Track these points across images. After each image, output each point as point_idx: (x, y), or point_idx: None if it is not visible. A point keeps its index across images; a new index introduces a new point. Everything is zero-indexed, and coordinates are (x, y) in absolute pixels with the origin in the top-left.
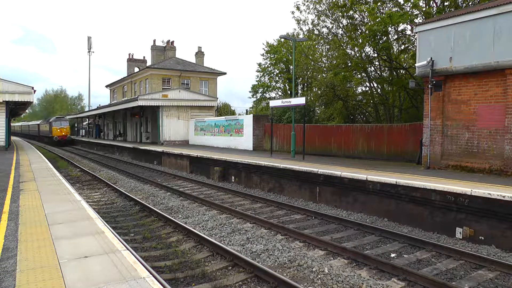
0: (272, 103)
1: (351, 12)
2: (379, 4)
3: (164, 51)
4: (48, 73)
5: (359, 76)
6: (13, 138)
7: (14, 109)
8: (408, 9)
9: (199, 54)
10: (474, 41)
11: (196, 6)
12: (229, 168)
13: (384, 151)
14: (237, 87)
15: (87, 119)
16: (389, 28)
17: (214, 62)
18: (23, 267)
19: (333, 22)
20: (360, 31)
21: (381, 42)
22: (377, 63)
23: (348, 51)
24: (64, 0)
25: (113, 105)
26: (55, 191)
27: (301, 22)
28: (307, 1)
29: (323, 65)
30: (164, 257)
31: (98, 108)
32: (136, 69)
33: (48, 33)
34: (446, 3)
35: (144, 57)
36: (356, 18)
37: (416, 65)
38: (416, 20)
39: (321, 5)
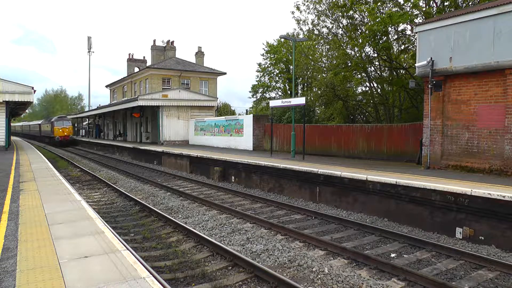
0: (272, 103)
1: (351, 12)
2: (379, 4)
3: (164, 51)
4: (48, 73)
5: (359, 76)
6: (13, 138)
7: (14, 109)
8: (408, 9)
9: (199, 54)
10: (474, 41)
11: (196, 6)
12: (229, 168)
13: (384, 151)
14: (237, 87)
15: (87, 119)
16: (389, 28)
17: (214, 62)
18: (23, 267)
19: (333, 22)
20: (360, 31)
21: (381, 42)
22: (377, 63)
23: (348, 51)
24: (64, 0)
25: (113, 105)
26: (55, 191)
27: (301, 22)
28: (307, 1)
29: (323, 65)
30: (164, 257)
31: (98, 108)
32: (136, 69)
33: (48, 33)
34: (446, 3)
35: (144, 57)
36: (356, 18)
37: (416, 65)
38: (416, 20)
39: (321, 5)
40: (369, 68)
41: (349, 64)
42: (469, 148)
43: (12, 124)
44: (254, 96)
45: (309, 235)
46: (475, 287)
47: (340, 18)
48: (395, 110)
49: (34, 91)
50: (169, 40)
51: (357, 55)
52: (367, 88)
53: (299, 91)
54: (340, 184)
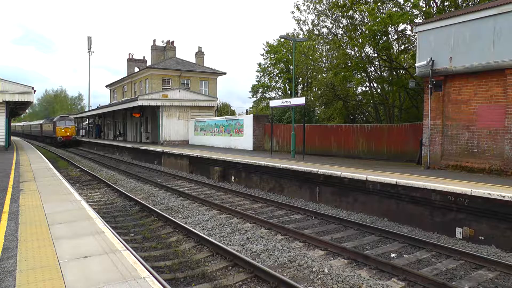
0: (272, 103)
1: (351, 12)
2: (379, 4)
3: (164, 51)
4: (48, 73)
5: (359, 76)
6: (14, 138)
7: (14, 109)
8: (408, 9)
9: (199, 54)
10: (474, 41)
11: (196, 6)
12: (229, 168)
13: (384, 151)
14: (237, 87)
15: (87, 119)
16: (389, 28)
17: (214, 62)
18: (23, 267)
19: (333, 22)
20: (360, 31)
21: (381, 42)
22: (377, 63)
23: (348, 51)
24: (64, 0)
25: (113, 105)
26: (55, 191)
27: (301, 22)
28: (307, 1)
29: (323, 65)
30: (164, 257)
31: (98, 108)
32: (136, 69)
33: (48, 33)
34: (446, 3)
35: (144, 57)
36: (356, 18)
37: (416, 65)
38: (416, 20)
39: (321, 5)
40: (369, 68)
41: (349, 64)
42: (469, 148)
43: (12, 124)
44: (254, 96)
45: (309, 235)
46: (475, 287)
47: (340, 18)
48: (395, 110)
49: (34, 91)
50: (169, 40)
51: (357, 55)
52: (367, 88)
53: (299, 91)
54: (340, 184)
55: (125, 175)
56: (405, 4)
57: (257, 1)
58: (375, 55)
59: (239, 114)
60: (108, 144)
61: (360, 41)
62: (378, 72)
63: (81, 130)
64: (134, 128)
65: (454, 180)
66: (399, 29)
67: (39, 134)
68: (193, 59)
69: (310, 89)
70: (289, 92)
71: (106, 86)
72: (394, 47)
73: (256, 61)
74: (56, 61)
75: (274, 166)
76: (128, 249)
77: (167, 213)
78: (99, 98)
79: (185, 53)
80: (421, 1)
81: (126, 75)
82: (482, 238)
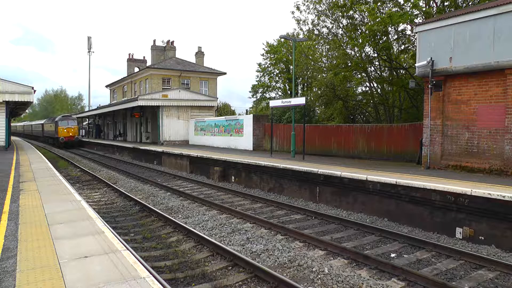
0: (272, 103)
1: (351, 12)
2: (379, 4)
3: (164, 51)
4: (48, 73)
5: (359, 76)
6: (14, 138)
7: (14, 109)
8: (408, 9)
9: (199, 54)
10: (474, 41)
11: (196, 6)
12: (229, 168)
13: (384, 151)
14: (237, 87)
15: (87, 119)
16: (389, 28)
17: (214, 62)
18: (23, 267)
19: (333, 22)
20: (360, 31)
21: (381, 42)
22: (377, 63)
23: (348, 51)
24: (64, 0)
25: (113, 105)
26: (55, 191)
27: (301, 22)
28: (307, 1)
29: (323, 65)
30: (164, 257)
31: (98, 108)
32: (136, 69)
33: (47, 33)
34: (446, 3)
35: (144, 57)
36: (356, 18)
37: (416, 65)
38: (416, 20)
39: (321, 5)
40: (369, 68)
41: (349, 64)
42: (469, 148)
43: (13, 124)
44: (254, 96)
45: (309, 235)
46: (475, 287)
47: (340, 18)
48: (395, 110)
49: (34, 91)
50: (169, 40)
51: (357, 55)
52: (367, 88)
53: (299, 91)
54: (340, 184)
55: (125, 175)
56: (405, 4)
57: (257, 1)
58: (375, 55)
59: (239, 114)
60: (108, 144)
61: (360, 41)
62: (378, 72)
63: (81, 130)
64: (134, 128)
65: (454, 180)
66: (399, 29)
67: (40, 135)
68: (193, 59)
69: (310, 89)
70: (289, 92)
71: (106, 86)
72: (394, 47)
73: (256, 61)
74: (56, 61)
75: (274, 166)
76: (128, 249)
77: (167, 213)
78: (99, 98)
79: (185, 53)
80: (421, 1)
81: (126, 75)
82: (482, 238)
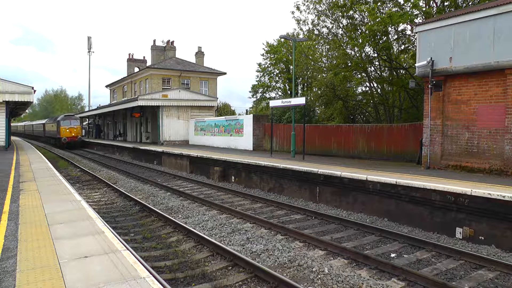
0: (272, 103)
1: (351, 12)
2: (379, 4)
3: (164, 51)
4: (48, 73)
5: (359, 76)
6: (14, 138)
7: (14, 109)
8: (408, 9)
9: (199, 54)
10: (474, 41)
11: (196, 6)
12: (229, 168)
13: (384, 151)
14: (237, 87)
15: (87, 119)
16: (389, 28)
17: (214, 62)
18: (23, 267)
19: (333, 22)
20: (360, 31)
21: (381, 42)
22: (377, 63)
23: (348, 51)
24: (64, 0)
25: (113, 105)
26: (55, 191)
27: (301, 22)
28: (307, 1)
29: (323, 65)
30: (164, 257)
31: (98, 108)
32: (136, 69)
33: (47, 33)
34: (446, 3)
35: (144, 57)
36: (356, 18)
37: (416, 65)
38: (416, 20)
39: (321, 5)
40: (369, 68)
41: (349, 64)
42: (469, 148)
43: (13, 124)
44: (254, 96)
45: (309, 235)
46: (475, 287)
47: (340, 18)
48: (395, 110)
49: (34, 91)
50: (169, 40)
51: (357, 55)
52: (367, 88)
53: (299, 91)
54: (340, 184)
55: (125, 175)
56: (405, 4)
57: (257, 1)
58: (375, 55)
59: (239, 114)
60: (108, 144)
61: (360, 41)
62: (378, 72)
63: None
64: (134, 128)
65: (454, 180)
66: (399, 29)
67: (41, 135)
68: (193, 59)
69: (310, 89)
70: (289, 92)
71: (106, 86)
72: (394, 47)
73: (256, 61)
74: (56, 61)
75: (274, 166)
76: (128, 249)
77: (167, 213)
78: (99, 98)
79: (185, 53)
80: (421, 1)
81: (126, 75)
82: (482, 238)
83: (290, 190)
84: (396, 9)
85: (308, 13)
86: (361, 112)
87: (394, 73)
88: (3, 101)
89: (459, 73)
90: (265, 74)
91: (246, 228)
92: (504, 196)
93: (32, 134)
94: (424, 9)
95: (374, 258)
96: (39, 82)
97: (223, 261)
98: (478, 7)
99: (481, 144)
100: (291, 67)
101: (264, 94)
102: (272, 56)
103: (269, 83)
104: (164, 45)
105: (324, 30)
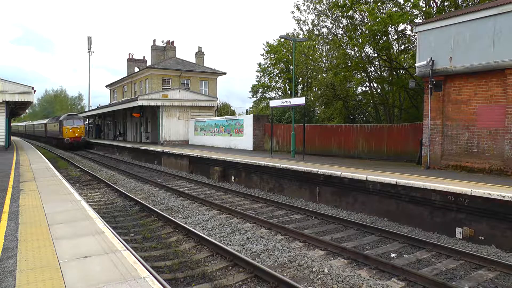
0: (272, 103)
1: (351, 12)
2: (379, 4)
3: (164, 51)
4: (48, 73)
5: (359, 76)
6: (15, 139)
7: (14, 109)
8: (408, 9)
9: (199, 54)
10: (474, 41)
11: (196, 6)
12: (229, 168)
13: (384, 151)
14: (237, 87)
15: (87, 119)
16: (389, 28)
17: (214, 62)
18: (23, 267)
19: (333, 22)
20: (360, 31)
21: (381, 42)
22: (377, 63)
23: (348, 51)
24: (64, 0)
25: (113, 105)
26: (55, 191)
27: (301, 22)
28: (307, 1)
29: (323, 65)
30: (164, 257)
31: (98, 108)
32: (136, 69)
33: (47, 33)
34: (446, 3)
35: (144, 57)
36: (356, 18)
37: (416, 65)
38: (416, 20)
39: (321, 5)
40: (369, 68)
41: (349, 64)
42: (469, 148)
43: (14, 124)
44: (254, 96)
45: (309, 235)
46: (475, 287)
47: (340, 18)
48: (395, 110)
49: (34, 91)
50: (169, 40)
51: (357, 55)
52: (367, 88)
53: (299, 91)
54: (340, 184)
55: (125, 175)
56: (405, 4)
57: (257, 1)
58: (375, 55)
59: (239, 114)
60: (108, 144)
61: (360, 41)
62: (378, 72)
63: None
64: (134, 128)
65: (454, 180)
66: (399, 29)
67: (43, 135)
68: (193, 59)
69: (310, 89)
70: (289, 92)
71: (106, 86)
72: (394, 47)
73: (256, 61)
74: (56, 61)
75: (274, 166)
76: (128, 249)
77: (167, 213)
78: (99, 98)
79: (185, 53)
80: (421, 1)
81: (126, 75)
82: (482, 238)
83: (290, 190)
84: (396, 9)
85: (308, 13)
86: (361, 112)
87: (394, 73)
88: (3, 101)
89: (459, 73)
90: (265, 74)
91: (246, 228)
92: (504, 196)
93: (33, 135)
94: (424, 9)
95: (374, 258)
96: (39, 82)
97: (223, 261)
98: (478, 7)
99: (481, 144)
100: (291, 67)
101: (264, 94)
102: (272, 56)
103: (269, 83)
104: (164, 45)
105: (324, 30)
